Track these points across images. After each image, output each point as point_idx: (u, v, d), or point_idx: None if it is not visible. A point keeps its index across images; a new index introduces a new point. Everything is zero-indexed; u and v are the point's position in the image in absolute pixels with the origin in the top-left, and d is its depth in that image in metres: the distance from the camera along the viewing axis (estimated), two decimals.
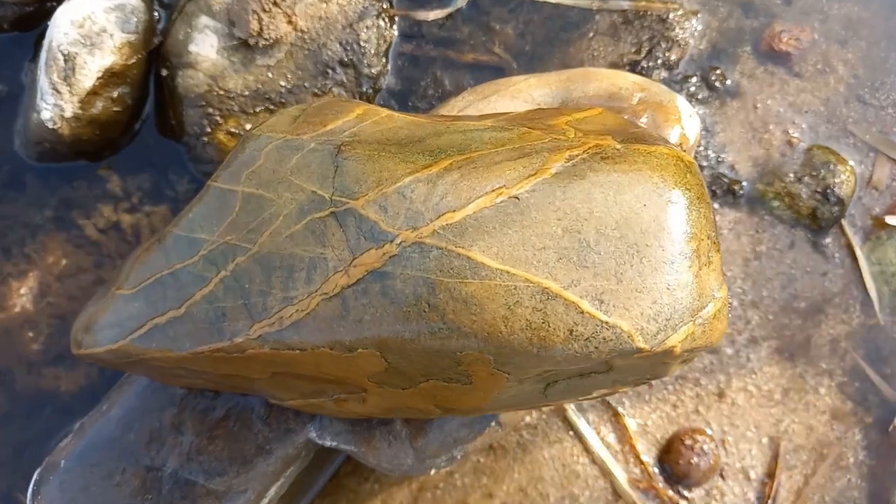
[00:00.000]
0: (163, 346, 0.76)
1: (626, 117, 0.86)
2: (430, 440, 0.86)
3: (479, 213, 0.63)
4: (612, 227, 0.61)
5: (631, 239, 0.61)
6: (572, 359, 0.61)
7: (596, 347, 0.60)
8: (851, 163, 1.14)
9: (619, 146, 0.66)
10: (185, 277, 0.75)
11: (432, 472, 0.90)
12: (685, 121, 0.91)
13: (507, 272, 0.61)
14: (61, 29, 1.06)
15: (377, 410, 0.79)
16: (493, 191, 0.63)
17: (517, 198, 0.63)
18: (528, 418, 1.07)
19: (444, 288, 0.61)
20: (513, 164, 0.65)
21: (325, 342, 0.67)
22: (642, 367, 0.66)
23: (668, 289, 0.60)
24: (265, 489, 0.90)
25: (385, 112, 0.78)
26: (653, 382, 1.09)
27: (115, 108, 1.11)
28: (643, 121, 0.89)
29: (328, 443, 0.87)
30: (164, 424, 0.89)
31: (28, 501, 0.92)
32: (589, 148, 0.65)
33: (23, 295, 1.10)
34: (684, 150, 0.90)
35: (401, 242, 0.64)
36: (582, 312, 0.60)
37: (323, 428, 0.87)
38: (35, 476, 0.93)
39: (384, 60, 1.17)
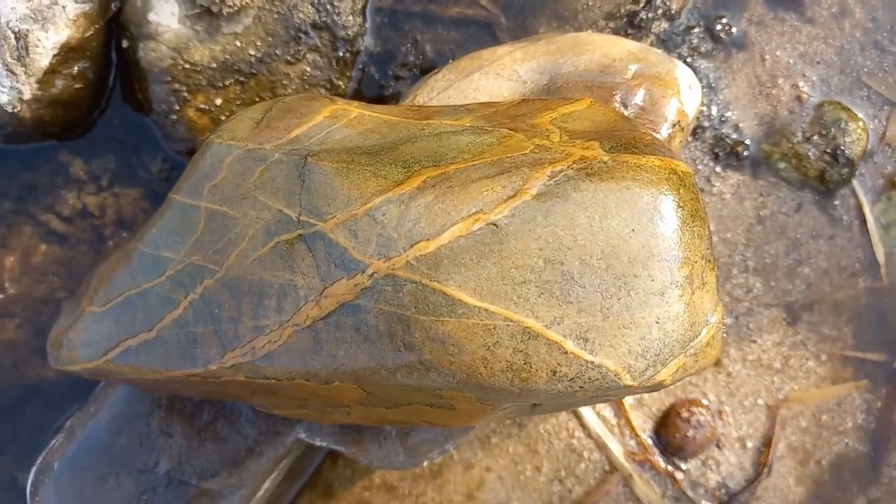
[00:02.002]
0: (138, 366, 0.73)
1: (618, 99, 0.79)
2: (420, 439, 0.86)
3: (455, 243, 0.58)
4: (597, 256, 0.57)
5: (618, 269, 0.57)
6: (556, 397, 0.58)
7: (581, 387, 0.57)
8: (864, 118, 1.06)
9: (606, 158, 0.60)
10: (154, 299, 0.71)
11: (425, 464, 0.90)
12: (684, 94, 0.84)
13: (486, 310, 0.57)
14: (8, 3, 0.98)
15: (363, 421, 0.77)
16: (469, 216, 0.58)
17: (495, 224, 0.58)
18: None
19: (420, 326, 0.58)
20: (490, 182, 0.60)
21: (299, 374, 0.64)
22: (632, 393, 0.63)
23: (657, 322, 0.57)
24: (259, 484, 0.90)
25: (355, 111, 0.71)
26: None
27: (77, 86, 1.04)
28: (639, 97, 0.82)
29: (318, 443, 0.86)
30: (152, 429, 0.88)
31: (28, 501, 0.93)
32: (574, 162, 0.60)
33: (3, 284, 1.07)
34: (683, 127, 0.83)
35: (373, 274, 0.60)
36: (566, 353, 0.56)
37: (312, 429, 0.86)
38: (31, 476, 0.94)
39: (361, 19, 1.08)
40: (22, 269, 1.07)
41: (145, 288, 0.72)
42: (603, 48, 0.86)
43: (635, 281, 0.57)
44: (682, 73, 0.86)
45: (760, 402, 1.07)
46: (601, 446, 1.06)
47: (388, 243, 0.60)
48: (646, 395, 1.07)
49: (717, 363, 1.07)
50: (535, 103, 0.72)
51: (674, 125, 0.82)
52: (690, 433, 1.04)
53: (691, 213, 0.59)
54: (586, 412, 1.05)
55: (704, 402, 1.07)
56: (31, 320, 1.06)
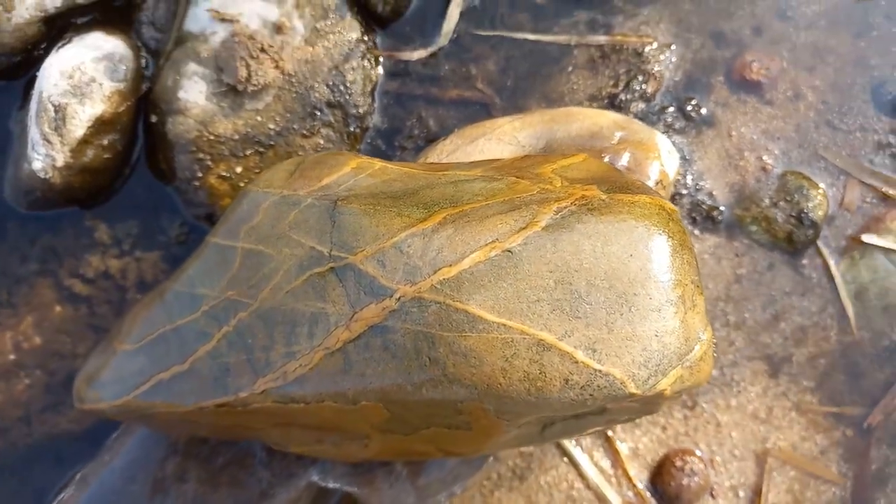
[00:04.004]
0: (167, 400, 0.77)
1: (607, 160, 0.89)
2: (430, 479, 0.89)
3: (475, 268, 0.65)
4: (601, 277, 0.64)
5: (620, 289, 0.64)
6: (569, 406, 0.63)
7: (591, 395, 0.63)
8: (823, 186, 1.18)
9: (604, 196, 0.69)
10: (188, 333, 0.77)
11: None
12: (664, 157, 0.95)
13: (504, 325, 0.63)
14: (51, 80, 1.08)
15: (379, 454, 0.81)
16: (486, 245, 0.66)
17: (510, 251, 0.66)
18: (523, 447, 1.10)
19: (444, 342, 0.64)
20: (504, 217, 0.68)
21: (328, 395, 0.69)
22: (635, 408, 0.69)
23: (656, 335, 0.64)
24: None
25: (378, 164, 0.80)
26: None
27: (106, 156, 1.13)
28: (624, 159, 0.93)
29: (331, 485, 0.89)
30: (167, 474, 0.90)
31: None
32: (576, 199, 0.68)
33: (16, 344, 1.11)
34: (665, 186, 0.93)
35: (400, 297, 0.66)
36: (576, 362, 0.63)
37: (325, 471, 0.89)
38: None
39: (370, 100, 1.20)
40: (42, 327, 1.11)
41: (180, 324, 0.78)
42: (591, 118, 0.97)
43: (635, 299, 0.64)
44: (662, 141, 0.97)
45: (749, 451, 1.12)
46: (600, 497, 1.09)
47: (414, 270, 0.67)
48: (640, 446, 1.11)
49: (707, 414, 1.13)
50: (536, 158, 0.81)
51: (657, 183, 0.92)
52: (685, 481, 1.08)
53: (680, 242, 0.68)
54: (584, 462, 1.09)
55: (697, 451, 1.11)
56: (46, 378, 1.09)
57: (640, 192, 0.70)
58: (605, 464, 1.10)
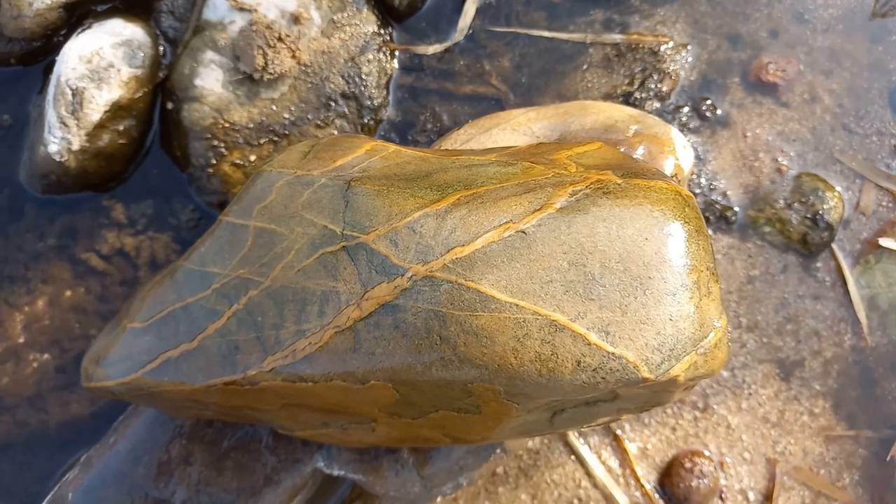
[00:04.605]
0: (175, 379, 0.77)
1: (623, 150, 0.89)
2: (436, 468, 0.88)
3: (488, 248, 0.65)
4: (615, 260, 0.64)
5: (634, 272, 0.63)
6: (580, 389, 0.63)
7: (603, 378, 0.62)
8: (839, 189, 1.17)
9: (619, 181, 0.68)
10: (198, 311, 0.76)
11: (438, 499, 0.92)
12: (679, 152, 0.95)
13: (517, 305, 0.63)
14: (69, 64, 1.08)
15: (386, 440, 0.80)
16: (500, 225, 0.66)
17: (524, 232, 0.65)
18: (530, 443, 1.09)
19: (455, 321, 0.63)
20: (518, 199, 0.67)
21: (337, 374, 0.68)
22: (646, 396, 0.68)
23: (670, 320, 0.63)
24: None
25: (392, 147, 0.80)
26: None
27: (121, 141, 1.13)
28: (639, 152, 0.92)
29: (336, 472, 0.88)
30: (172, 456, 0.90)
31: None
32: (591, 183, 0.68)
33: (27, 323, 1.11)
34: (679, 181, 0.93)
35: (412, 276, 0.66)
36: (589, 344, 0.62)
37: (331, 457, 0.88)
38: None
39: (385, 92, 1.20)
40: (54, 307, 1.11)
41: (189, 302, 0.78)
42: (606, 111, 0.97)
43: (650, 282, 0.63)
44: (677, 136, 0.97)
45: (760, 454, 1.10)
46: (607, 497, 1.07)
47: (426, 250, 0.66)
48: (649, 446, 1.10)
49: (718, 416, 1.11)
50: (550, 145, 0.81)
51: (672, 177, 0.92)
52: (694, 483, 1.06)
53: (696, 228, 0.67)
54: (592, 460, 1.08)
55: (706, 453, 1.10)
56: (57, 358, 1.09)
57: (656, 178, 0.70)
58: (613, 463, 1.09)
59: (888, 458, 1.09)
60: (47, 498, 0.94)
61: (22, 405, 1.06)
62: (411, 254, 0.67)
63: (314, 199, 0.74)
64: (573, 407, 0.70)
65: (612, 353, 0.62)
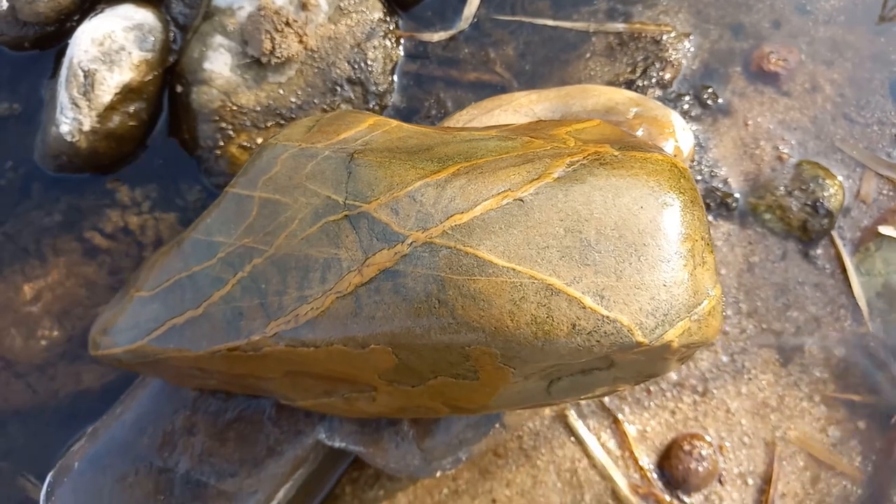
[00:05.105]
0: (180, 345, 0.79)
1: (622, 129, 0.90)
2: (436, 441, 0.89)
3: (486, 215, 0.66)
4: (611, 227, 0.65)
5: (629, 238, 0.65)
6: (575, 352, 0.64)
7: (598, 341, 0.63)
8: (840, 177, 1.18)
9: (616, 153, 0.70)
10: (203, 280, 0.78)
11: (437, 474, 0.93)
12: (679, 134, 0.96)
13: (514, 269, 0.64)
14: (82, 46, 1.11)
15: (386, 409, 0.81)
16: (498, 194, 0.67)
17: (522, 200, 0.67)
18: (530, 424, 1.10)
19: (454, 285, 0.65)
20: (517, 169, 0.69)
21: (338, 339, 0.70)
22: (642, 363, 0.69)
23: (664, 285, 0.64)
24: (274, 491, 0.92)
25: (395, 123, 0.82)
26: (652, 389, 1.12)
27: (131, 123, 1.16)
28: (639, 133, 0.94)
29: (337, 444, 0.89)
30: (176, 427, 0.91)
31: (41, 503, 0.94)
32: (588, 154, 0.69)
33: (38, 296, 1.13)
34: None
35: (412, 243, 0.67)
36: (584, 307, 0.63)
37: (332, 429, 0.89)
38: (48, 478, 0.95)
39: (390, 79, 1.22)
40: (63, 282, 1.13)
41: (195, 271, 0.79)
42: (607, 94, 0.98)
43: (645, 249, 0.64)
44: (676, 118, 0.98)
45: (759, 439, 1.11)
46: (606, 478, 1.08)
47: (426, 217, 0.68)
48: (649, 429, 1.11)
49: (718, 400, 1.12)
50: (550, 122, 0.82)
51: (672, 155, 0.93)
52: (693, 465, 1.07)
53: (691, 199, 0.68)
54: (591, 441, 1.09)
55: (706, 437, 1.10)
56: (66, 330, 1.11)
57: (653, 151, 0.71)
58: (612, 445, 1.10)
59: (893, 421, 1.09)
60: (55, 467, 0.96)
61: (33, 373, 1.08)
62: (412, 221, 0.68)
63: (318, 170, 0.75)
64: (569, 375, 0.72)
65: (607, 317, 0.63)
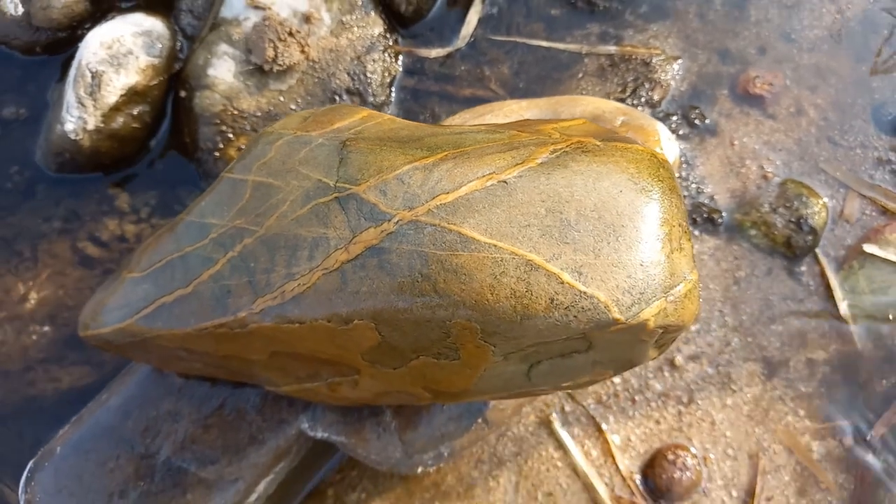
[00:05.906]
0: (168, 324, 0.80)
1: (607, 128, 0.93)
2: (418, 434, 0.89)
3: (471, 195, 0.69)
4: (591, 208, 0.67)
5: (608, 220, 0.67)
6: (553, 328, 0.65)
7: (575, 317, 0.65)
8: (824, 197, 1.21)
9: (599, 143, 0.73)
10: (194, 260, 0.80)
11: (419, 469, 0.93)
12: (664, 143, 0.99)
13: (495, 245, 0.66)
14: (91, 49, 1.15)
15: (369, 395, 0.82)
16: (483, 176, 0.70)
17: (506, 182, 0.69)
18: (514, 430, 1.10)
19: (436, 260, 0.66)
20: (502, 154, 0.71)
21: (323, 315, 0.71)
22: (619, 346, 0.70)
23: (641, 265, 0.66)
24: (255, 482, 0.92)
25: (387, 116, 0.85)
26: (637, 398, 1.13)
27: (135, 125, 1.19)
28: None
29: (319, 434, 0.90)
30: (161, 412, 0.92)
31: (21, 488, 0.93)
32: (572, 143, 0.72)
33: (29, 295, 1.14)
34: None
35: (398, 221, 0.69)
36: (562, 283, 0.65)
37: (315, 419, 0.90)
38: (30, 464, 0.95)
39: (388, 91, 1.26)
40: (56, 282, 1.15)
41: (187, 251, 0.81)
42: (595, 103, 1.02)
43: (623, 230, 0.66)
44: (662, 129, 1.01)
45: (743, 451, 1.11)
46: (588, 486, 1.08)
47: (413, 198, 0.70)
48: (633, 437, 1.11)
49: (702, 411, 1.12)
50: (538, 120, 0.86)
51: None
52: (677, 475, 1.07)
53: (669, 187, 0.71)
54: (573, 448, 1.09)
55: (690, 447, 1.10)
56: (55, 331, 1.12)
57: (633, 143, 0.74)
58: (595, 453, 1.10)
59: (869, 438, 1.09)
60: (38, 453, 0.96)
61: (18, 374, 1.09)
62: (399, 201, 0.70)
63: (311, 156, 0.78)
64: (549, 359, 0.73)
65: (584, 293, 0.65)
